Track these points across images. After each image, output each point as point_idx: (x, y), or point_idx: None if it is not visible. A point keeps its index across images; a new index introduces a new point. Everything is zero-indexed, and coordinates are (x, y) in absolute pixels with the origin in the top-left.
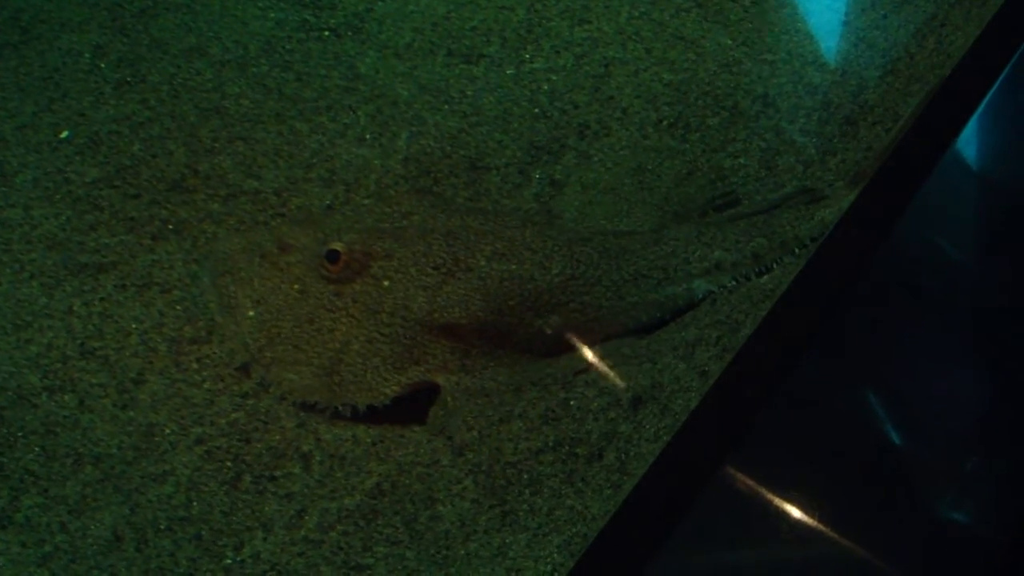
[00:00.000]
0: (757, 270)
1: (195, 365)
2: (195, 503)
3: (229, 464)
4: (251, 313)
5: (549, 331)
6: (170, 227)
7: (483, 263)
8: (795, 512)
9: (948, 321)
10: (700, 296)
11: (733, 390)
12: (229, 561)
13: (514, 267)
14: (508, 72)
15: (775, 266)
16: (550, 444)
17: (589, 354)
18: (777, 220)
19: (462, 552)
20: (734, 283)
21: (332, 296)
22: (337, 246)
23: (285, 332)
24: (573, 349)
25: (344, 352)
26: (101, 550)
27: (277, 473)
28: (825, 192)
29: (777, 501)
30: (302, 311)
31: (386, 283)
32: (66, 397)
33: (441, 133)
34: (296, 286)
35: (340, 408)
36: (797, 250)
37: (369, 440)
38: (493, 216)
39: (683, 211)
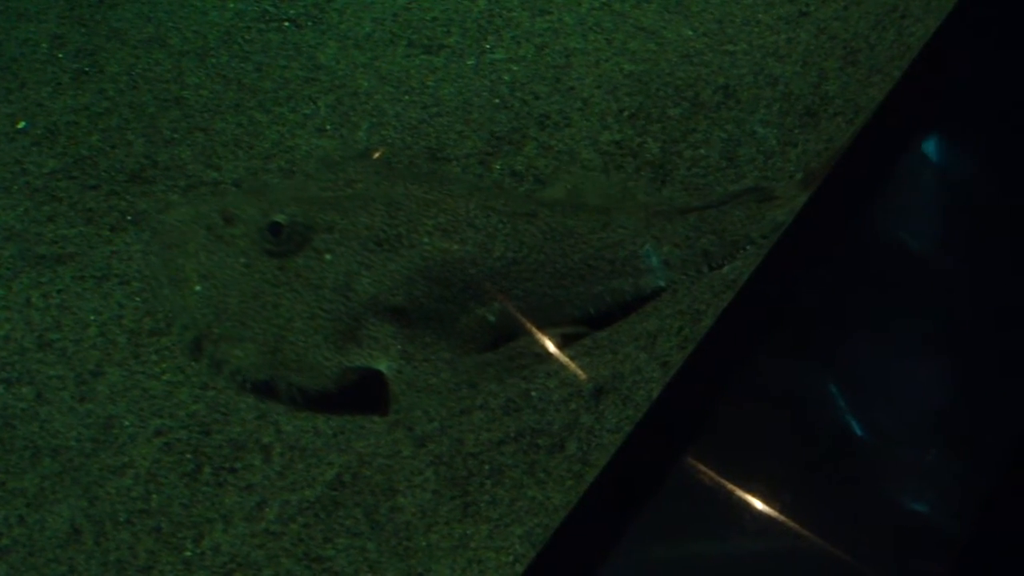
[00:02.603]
0: (708, 267)
1: (154, 357)
2: (154, 495)
3: (189, 456)
4: (198, 288)
5: (493, 319)
6: (129, 218)
7: (426, 240)
8: (756, 503)
9: (909, 312)
10: (649, 292)
11: (695, 380)
12: (189, 553)
13: (456, 247)
14: (469, 63)
15: (725, 264)
16: (511, 435)
17: (535, 346)
18: (728, 217)
19: (423, 543)
20: (684, 279)
21: (276, 270)
22: (279, 218)
23: (232, 307)
24: (517, 339)
25: (287, 329)
26: (59, 543)
27: (237, 465)
28: (776, 192)
29: (739, 492)
30: (247, 286)
31: (328, 257)
32: (24, 389)
33: (401, 124)
34: (242, 259)
35: (288, 392)
36: (747, 248)
37: (330, 431)
38: (438, 183)
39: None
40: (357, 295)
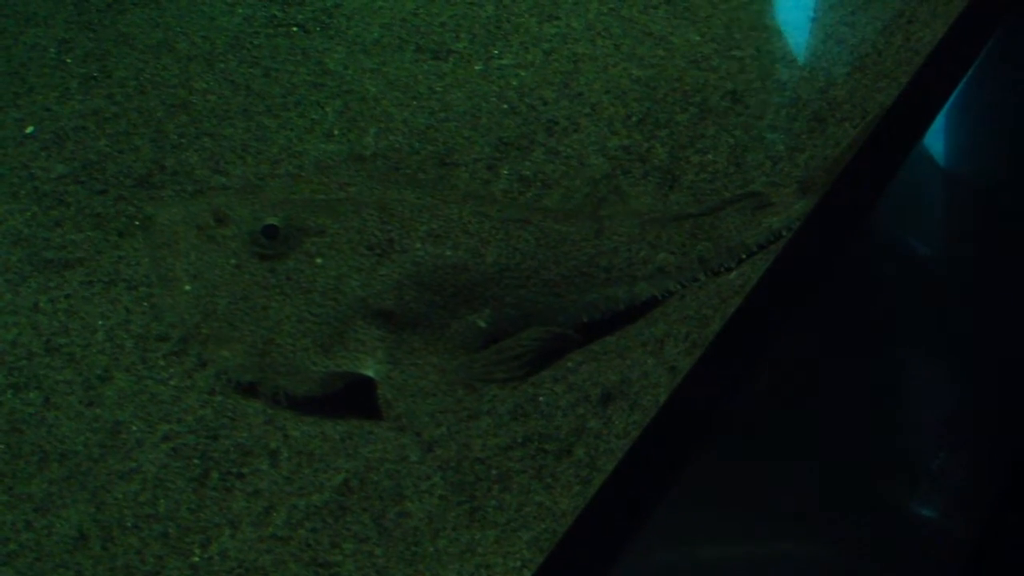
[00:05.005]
0: (704, 274)
1: (162, 362)
2: (162, 500)
3: (196, 461)
4: (187, 287)
5: (483, 325)
6: (137, 223)
7: (418, 245)
8: (764, 508)
9: (916, 316)
10: (643, 300)
11: (702, 386)
12: (196, 559)
13: (449, 253)
14: (477, 68)
15: (721, 272)
16: (519, 440)
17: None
18: (723, 224)
19: (431, 549)
20: (679, 287)
21: (266, 272)
22: (274, 221)
23: (220, 308)
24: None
25: (276, 332)
26: (67, 548)
27: (245, 470)
28: (772, 198)
29: (746, 497)
30: (237, 287)
31: (319, 260)
32: (31, 394)
33: (409, 129)
34: (232, 261)
35: (276, 396)
36: (744, 256)
37: (337, 436)
38: (431, 188)
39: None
40: (347, 299)
